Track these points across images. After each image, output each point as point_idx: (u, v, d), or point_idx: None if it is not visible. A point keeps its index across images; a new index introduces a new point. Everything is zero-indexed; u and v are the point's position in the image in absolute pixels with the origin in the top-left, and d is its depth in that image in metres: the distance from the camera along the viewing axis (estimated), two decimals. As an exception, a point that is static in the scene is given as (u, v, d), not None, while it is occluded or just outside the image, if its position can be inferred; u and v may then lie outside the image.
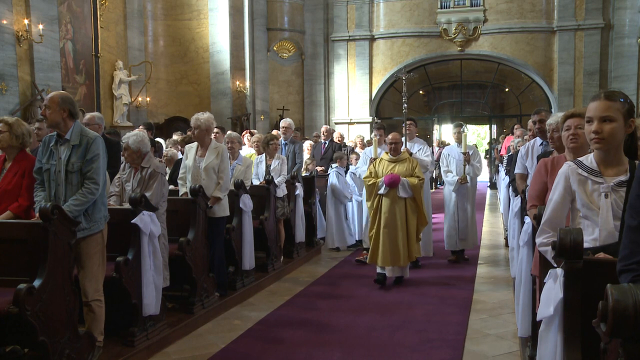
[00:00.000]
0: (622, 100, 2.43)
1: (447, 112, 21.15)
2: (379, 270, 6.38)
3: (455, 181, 7.49)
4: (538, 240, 2.71)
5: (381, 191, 6.25)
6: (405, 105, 7.77)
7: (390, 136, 6.52)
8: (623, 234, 1.88)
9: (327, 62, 18.81)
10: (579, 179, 2.57)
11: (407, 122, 7.74)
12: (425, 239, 7.30)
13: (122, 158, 4.99)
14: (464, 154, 7.37)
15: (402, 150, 6.61)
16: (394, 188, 6.19)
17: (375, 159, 6.88)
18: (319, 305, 5.75)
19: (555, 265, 2.47)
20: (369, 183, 6.38)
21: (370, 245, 6.38)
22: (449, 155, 7.69)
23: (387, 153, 6.53)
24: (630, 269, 1.77)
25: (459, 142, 7.54)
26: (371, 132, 17.24)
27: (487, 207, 14.44)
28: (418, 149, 7.49)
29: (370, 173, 6.46)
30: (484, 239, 9.59)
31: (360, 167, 7.93)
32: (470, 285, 6.40)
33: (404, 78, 8.02)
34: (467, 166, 7.41)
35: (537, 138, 5.10)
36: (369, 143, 9.28)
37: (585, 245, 2.35)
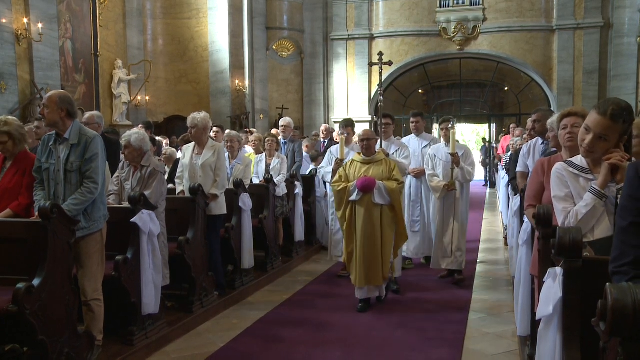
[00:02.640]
0: (624, 121, 2.47)
1: (447, 111, 21.15)
2: (359, 295, 5.45)
3: (441, 187, 6.30)
4: (560, 218, 2.69)
5: (353, 197, 5.29)
6: (381, 97, 6.68)
7: (361, 132, 5.59)
8: (614, 235, 1.90)
9: (326, 61, 18.81)
10: (570, 176, 2.66)
11: (383, 120, 6.58)
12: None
13: (122, 157, 4.98)
14: (452, 155, 6.14)
15: (377, 149, 5.70)
16: (369, 193, 5.25)
17: (341, 160, 5.93)
18: (319, 304, 5.75)
19: (555, 263, 2.48)
20: (338, 189, 5.37)
21: (348, 262, 5.46)
22: (435, 156, 6.45)
23: (359, 154, 5.54)
24: (622, 272, 1.79)
25: (447, 141, 6.30)
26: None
27: (486, 206, 14.45)
28: (395, 150, 6.45)
29: (340, 177, 5.44)
30: (484, 238, 9.60)
31: (324, 168, 6.73)
32: (469, 284, 6.40)
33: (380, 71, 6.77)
34: (455, 170, 6.21)
35: (539, 137, 5.12)
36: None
37: None
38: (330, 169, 6.36)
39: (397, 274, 5.98)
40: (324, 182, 7.74)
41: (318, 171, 7.42)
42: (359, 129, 7.13)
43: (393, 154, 6.32)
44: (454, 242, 6.35)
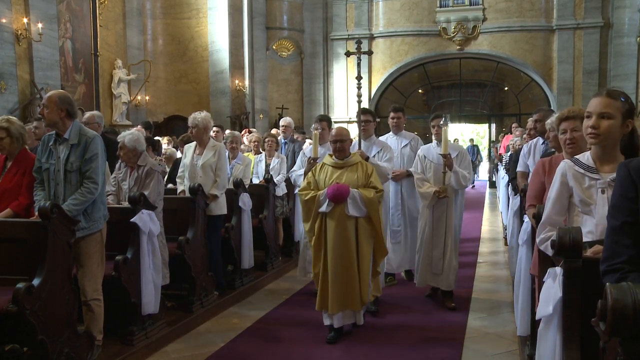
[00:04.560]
0: (622, 99, 2.46)
1: (447, 111, 21.06)
2: (328, 322, 4.61)
3: (431, 194, 5.39)
4: (538, 238, 2.72)
5: (323, 208, 4.46)
6: (360, 92, 5.64)
7: (333, 131, 4.74)
8: (605, 236, 1.88)
9: (326, 61, 18.82)
10: (575, 175, 2.62)
11: (362, 117, 5.67)
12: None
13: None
14: (444, 156, 5.25)
15: (352, 151, 4.88)
16: (341, 203, 4.44)
17: (314, 159, 5.24)
18: (318, 304, 5.73)
19: (555, 263, 2.48)
20: (306, 198, 4.55)
21: (319, 286, 4.61)
22: (425, 157, 5.58)
23: (331, 156, 4.75)
24: (616, 269, 1.77)
25: (439, 140, 5.43)
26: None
27: (486, 206, 14.46)
28: (376, 152, 5.61)
29: (309, 184, 4.64)
30: (484, 238, 9.60)
31: (297, 171, 5.92)
32: (469, 284, 6.40)
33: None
34: (448, 173, 5.35)
35: (539, 137, 5.12)
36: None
37: (583, 238, 2.37)
38: (302, 171, 5.63)
39: (377, 292, 5.11)
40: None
41: (289, 175, 6.43)
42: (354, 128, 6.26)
43: (374, 156, 5.52)
44: (446, 258, 5.49)
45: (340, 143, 4.62)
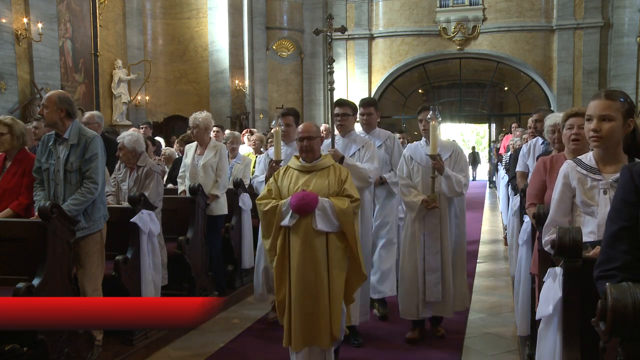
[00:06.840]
0: (622, 99, 2.46)
1: (447, 111, 21.17)
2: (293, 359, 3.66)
3: (418, 203, 4.34)
4: (543, 240, 2.72)
5: (285, 222, 3.52)
6: (332, 77, 4.78)
7: (300, 127, 3.81)
8: (603, 239, 1.86)
9: (326, 61, 18.81)
10: (578, 176, 2.62)
11: (339, 109, 4.79)
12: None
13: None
14: (432, 157, 4.21)
15: (328, 151, 4.21)
16: (307, 215, 3.49)
17: (277, 163, 4.37)
18: (318, 304, 5.72)
19: (555, 263, 2.48)
20: (265, 208, 3.60)
21: (284, 317, 3.61)
22: (411, 159, 4.51)
23: (297, 157, 3.82)
24: (610, 275, 1.75)
25: (428, 138, 4.35)
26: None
27: (486, 206, 14.46)
28: (355, 150, 4.66)
29: (270, 191, 3.69)
30: (484, 238, 9.59)
31: (258, 177, 5.06)
32: (469, 284, 6.39)
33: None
34: (438, 178, 4.29)
35: (539, 137, 5.12)
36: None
37: (585, 238, 2.38)
38: (264, 177, 4.80)
39: (356, 322, 4.25)
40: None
41: (252, 181, 5.46)
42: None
43: (352, 155, 4.60)
44: (447, 282, 4.43)
45: (308, 141, 3.70)
